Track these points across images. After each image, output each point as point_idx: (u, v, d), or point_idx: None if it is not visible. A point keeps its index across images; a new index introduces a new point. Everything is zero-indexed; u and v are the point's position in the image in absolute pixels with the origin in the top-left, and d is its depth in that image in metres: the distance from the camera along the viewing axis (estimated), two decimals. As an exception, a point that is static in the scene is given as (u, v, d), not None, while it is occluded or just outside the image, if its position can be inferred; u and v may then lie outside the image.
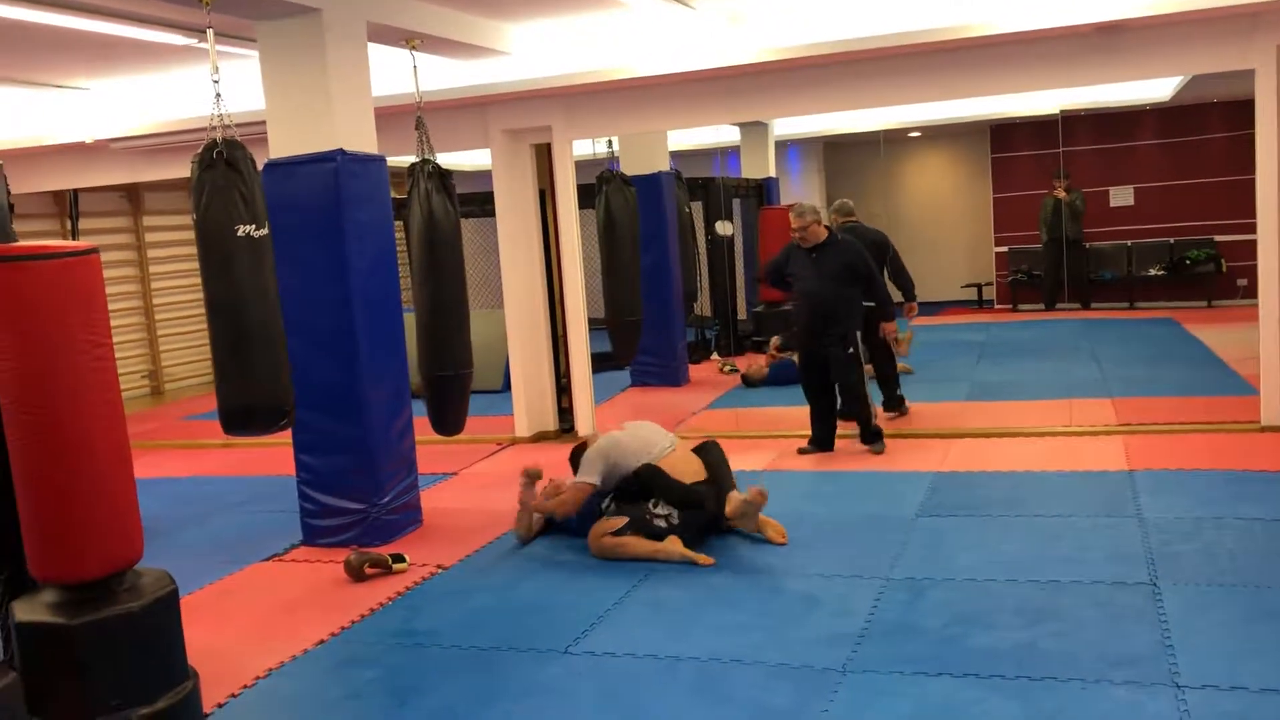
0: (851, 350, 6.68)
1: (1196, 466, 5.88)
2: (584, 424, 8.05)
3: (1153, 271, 14.10)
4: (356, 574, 5.08)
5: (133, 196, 12.05)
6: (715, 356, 11.84)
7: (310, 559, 5.47)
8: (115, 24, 5.90)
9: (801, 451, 6.89)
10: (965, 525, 5.19)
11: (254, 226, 4.80)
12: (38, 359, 3.28)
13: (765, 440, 7.35)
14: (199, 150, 4.79)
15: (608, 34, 7.25)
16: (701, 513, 5.14)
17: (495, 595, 4.73)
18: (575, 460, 5.92)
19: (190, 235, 5.18)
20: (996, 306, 14.94)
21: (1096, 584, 4.28)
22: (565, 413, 8.37)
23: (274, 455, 7.69)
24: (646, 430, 5.59)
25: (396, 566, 5.15)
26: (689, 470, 5.26)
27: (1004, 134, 14.94)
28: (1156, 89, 12.22)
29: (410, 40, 6.30)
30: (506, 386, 9.93)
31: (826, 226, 6.92)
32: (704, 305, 12.40)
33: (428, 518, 5.98)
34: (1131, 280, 14.19)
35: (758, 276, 7.33)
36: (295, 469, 5.72)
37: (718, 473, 5.29)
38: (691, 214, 11.55)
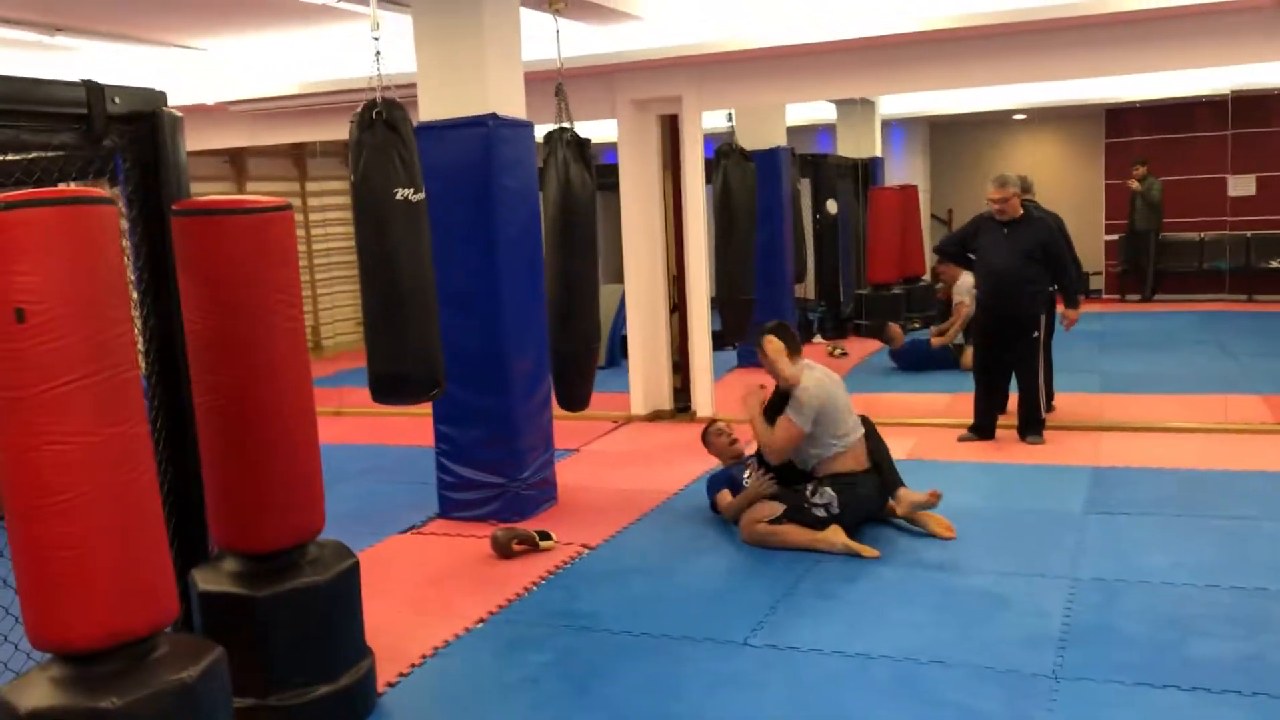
0: (1036, 335, 6.37)
1: (1380, 471, 5.53)
2: (703, 404, 7.85)
3: (1274, 264, 13.54)
4: (504, 550, 4.93)
5: (298, 160, 12.41)
6: (819, 339, 11.58)
7: (450, 533, 5.34)
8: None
9: (962, 439, 6.62)
10: (1140, 525, 4.91)
11: (412, 190, 4.63)
12: (231, 320, 3.14)
13: (899, 428, 7.06)
14: (358, 110, 4.64)
15: (738, 1, 7.00)
16: (865, 504, 4.91)
17: (654, 580, 4.56)
18: (704, 440, 5.75)
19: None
20: (1105, 296, 14.46)
21: (1310, 594, 4.00)
22: (679, 392, 8.18)
23: (409, 425, 7.59)
24: (842, 397, 5.11)
25: (544, 544, 5.00)
26: (857, 462, 5.01)
27: (1119, 118, 14.41)
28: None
29: (555, 3, 6.11)
30: (611, 362, 9.83)
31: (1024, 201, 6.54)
32: (808, 287, 12.13)
33: (561, 494, 5.83)
34: (1251, 271, 13.64)
35: (935, 248, 6.99)
36: (434, 440, 5.58)
37: (881, 459, 5.05)
38: (799, 192, 11.27)
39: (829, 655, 3.69)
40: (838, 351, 10.53)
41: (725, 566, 4.67)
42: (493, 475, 5.47)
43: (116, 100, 3.30)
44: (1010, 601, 4.09)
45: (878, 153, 13.49)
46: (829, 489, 4.86)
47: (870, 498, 4.95)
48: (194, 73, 8.24)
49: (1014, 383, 6.59)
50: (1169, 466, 5.83)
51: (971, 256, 6.68)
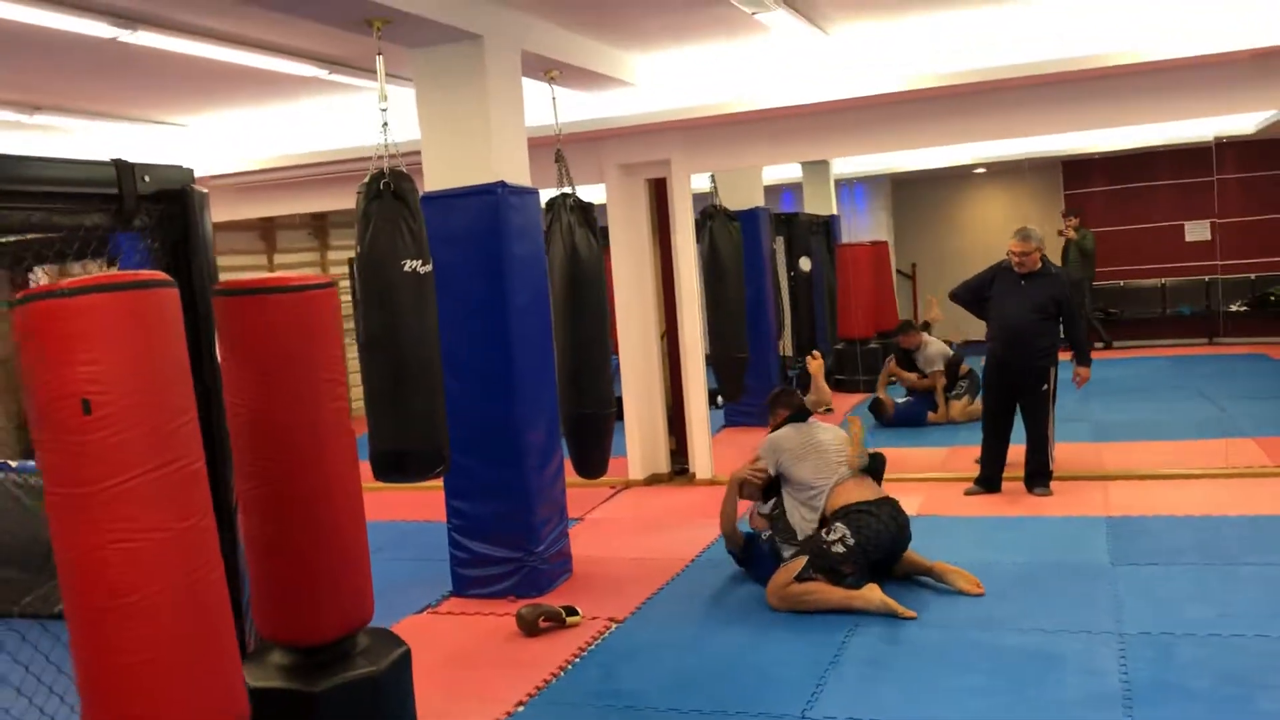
0: (1046, 387, 6.39)
1: (1393, 511, 5.57)
2: (701, 466, 7.77)
3: (1234, 307, 13.81)
4: (530, 628, 4.78)
5: (319, 231, 12.63)
6: (799, 396, 11.55)
7: (468, 611, 5.18)
8: (238, 51, 5.68)
9: (969, 493, 6.59)
10: (1172, 575, 4.87)
11: (420, 262, 4.55)
12: (277, 402, 3.01)
13: (903, 484, 7.00)
14: (365, 180, 4.57)
15: (727, 66, 7.05)
16: (882, 534, 4.80)
17: (691, 653, 4.43)
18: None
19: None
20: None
21: (1361, 640, 3.97)
22: (673, 454, 8.09)
23: (415, 498, 7.35)
24: (824, 441, 5.17)
25: (570, 620, 4.85)
26: (862, 494, 4.96)
27: (1077, 170, 14.71)
28: (1240, 123, 11.99)
29: (550, 71, 6.10)
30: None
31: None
32: (786, 344, 12.14)
33: (575, 566, 5.69)
34: (1211, 315, 13.89)
35: (950, 293, 7.02)
36: (446, 514, 5.44)
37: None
38: (775, 251, 11.33)
39: (893, 726, 3.59)
40: (822, 408, 10.50)
41: (761, 637, 4.55)
42: (509, 550, 5.33)
43: (147, 179, 3.19)
44: (1062, 660, 4.01)
45: (834, 210, 13.67)
46: (839, 524, 4.81)
47: (885, 528, 4.81)
48: (177, 147, 8.13)
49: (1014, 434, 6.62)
50: (1183, 514, 5.82)
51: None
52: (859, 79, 6.71)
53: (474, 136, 5.24)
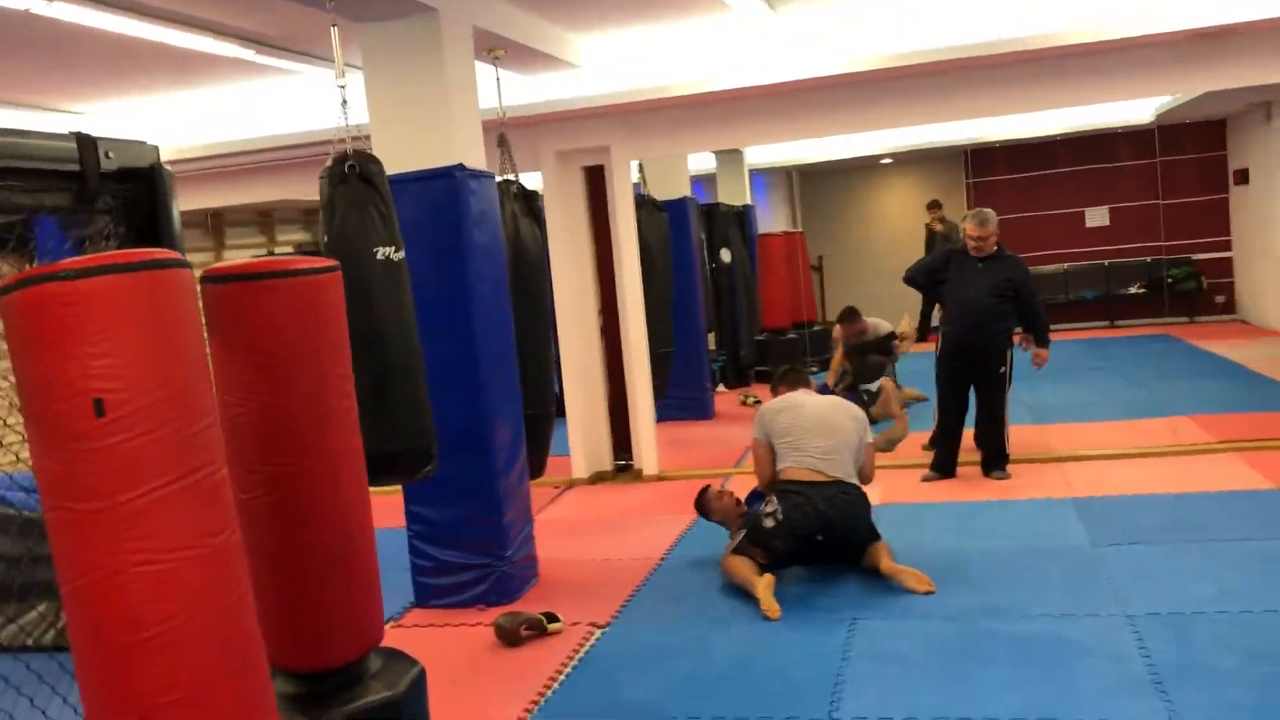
0: (1004, 369, 6.35)
1: (1350, 483, 5.67)
2: (648, 462, 7.54)
3: (1132, 290, 14.20)
4: (510, 638, 4.49)
5: (265, 225, 11.92)
6: (722, 388, 11.43)
7: (436, 623, 4.85)
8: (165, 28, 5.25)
9: (926, 479, 6.50)
10: (1159, 554, 4.84)
11: (393, 249, 4.23)
12: (283, 403, 2.69)
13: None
14: (327, 164, 4.23)
15: (670, 49, 6.85)
16: (810, 517, 4.71)
17: (693, 658, 4.18)
18: (701, 508, 5.48)
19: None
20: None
21: (1371, 612, 3.97)
22: (617, 451, 7.85)
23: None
24: (808, 415, 5.07)
25: (552, 627, 4.57)
26: (812, 475, 4.89)
27: (981, 159, 14.95)
28: (1134, 111, 12.32)
29: (494, 50, 5.79)
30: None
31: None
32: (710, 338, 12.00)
33: (541, 570, 5.40)
34: (1111, 298, 14.27)
35: (905, 277, 6.89)
36: (406, 520, 5.09)
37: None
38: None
39: (932, 724, 3.42)
40: (750, 400, 10.38)
41: (759, 637, 4.34)
42: (476, 556, 5.02)
43: (110, 155, 2.82)
44: (1082, 647, 3.90)
45: (748, 200, 13.58)
46: (775, 498, 4.80)
47: (816, 510, 4.71)
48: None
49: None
50: (1148, 493, 5.84)
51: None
52: (805, 62, 6.56)
53: (430, 116, 4.91)
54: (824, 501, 4.74)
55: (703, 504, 5.41)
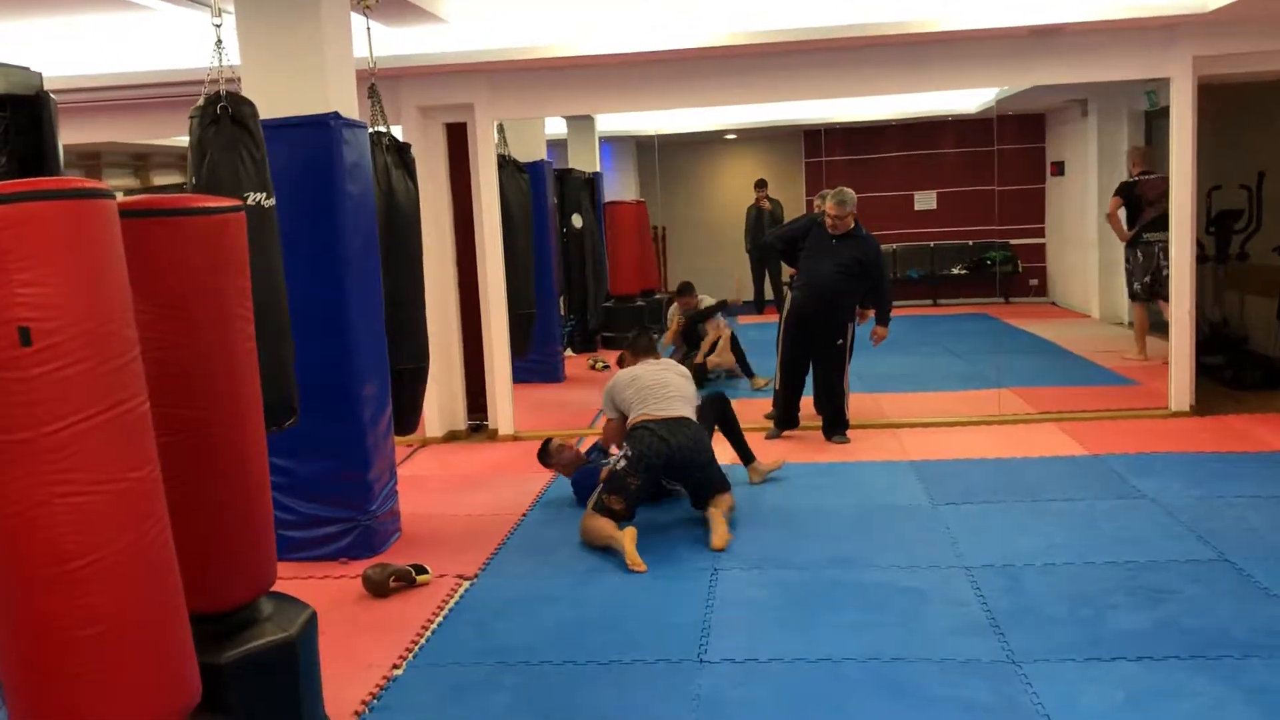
0: (841, 342, 6.67)
1: (1151, 450, 6.20)
2: (504, 422, 7.60)
3: (954, 271, 15.01)
4: (379, 589, 4.52)
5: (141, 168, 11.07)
6: (570, 353, 11.54)
7: (300, 575, 4.82)
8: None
9: (770, 436, 6.82)
10: (992, 513, 5.23)
11: (264, 195, 4.17)
12: (189, 342, 2.66)
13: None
14: (198, 104, 4.13)
15: (540, 8, 6.87)
16: (656, 448, 5.01)
17: (565, 606, 4.31)
18: (544, 459, 5.71)
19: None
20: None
21: (1172, 563, 4.40)
22: (471, 411, 7.87)
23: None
24: (651, 377, 5.41)
25: (420, 579, 4.62)
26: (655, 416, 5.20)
27: (816, 139, 15.46)
28: (963, 101, 13.05)
29: (366, 0, 5.70)
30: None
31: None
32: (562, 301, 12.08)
33: (403, 525, 5.43)
34: (934, 278, 15.04)
35: (765, 241, 7.25)
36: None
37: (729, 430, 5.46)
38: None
39: (793, 664, 3.65)
40: (599, 365, 10.55)
41: (627, 586, 4.50)
42: (341, 510, 5.00)
43: (-8, 80, 2.74)
44: (925, 594, 4.22)
45: (598, 168, 13.71)
46: (625, 443, 5.12)
47: (663, 440, 5.03)
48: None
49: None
50: (978, 457, 6.27)
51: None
52: (669, 33, 6.70)
53: (304, 62, 4.83)
54: (666, 430, 5.08)
55: (545, 455, 5.63)
